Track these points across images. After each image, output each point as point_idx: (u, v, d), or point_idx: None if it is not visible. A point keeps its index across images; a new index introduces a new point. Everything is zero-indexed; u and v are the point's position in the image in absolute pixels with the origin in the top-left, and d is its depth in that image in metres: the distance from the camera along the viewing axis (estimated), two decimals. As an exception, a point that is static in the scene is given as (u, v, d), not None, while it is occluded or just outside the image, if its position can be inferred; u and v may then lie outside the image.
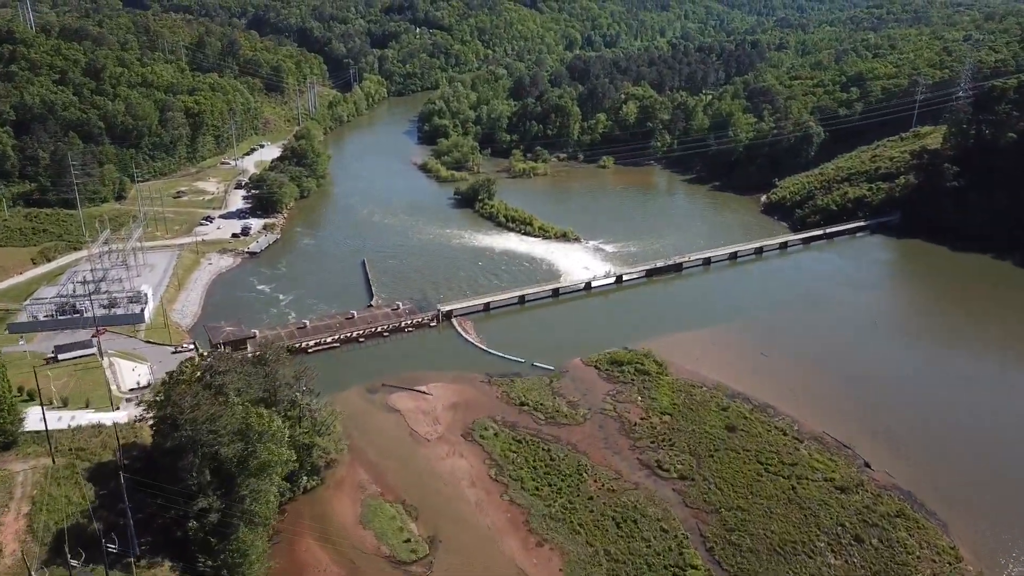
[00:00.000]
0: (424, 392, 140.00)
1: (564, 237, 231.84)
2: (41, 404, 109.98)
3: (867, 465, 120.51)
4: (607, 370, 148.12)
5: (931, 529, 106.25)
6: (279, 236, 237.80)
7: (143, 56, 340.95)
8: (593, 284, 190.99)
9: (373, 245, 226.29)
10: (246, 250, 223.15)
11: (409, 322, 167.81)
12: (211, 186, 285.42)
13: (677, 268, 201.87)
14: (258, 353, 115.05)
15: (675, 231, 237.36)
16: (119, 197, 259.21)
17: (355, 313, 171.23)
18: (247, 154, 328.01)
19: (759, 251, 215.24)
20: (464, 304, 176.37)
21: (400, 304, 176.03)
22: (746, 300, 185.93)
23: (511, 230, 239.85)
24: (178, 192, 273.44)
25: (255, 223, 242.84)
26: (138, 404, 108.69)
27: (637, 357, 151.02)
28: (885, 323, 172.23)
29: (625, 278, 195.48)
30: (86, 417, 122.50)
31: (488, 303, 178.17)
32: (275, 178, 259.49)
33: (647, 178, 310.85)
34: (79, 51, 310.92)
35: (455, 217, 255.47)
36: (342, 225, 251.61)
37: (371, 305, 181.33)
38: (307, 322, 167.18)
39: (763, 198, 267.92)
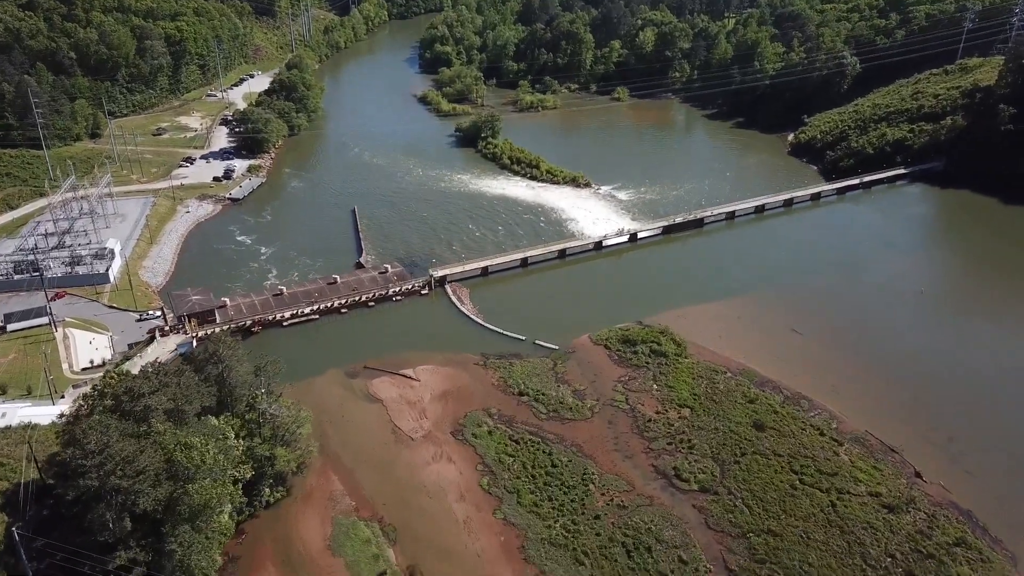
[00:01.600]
0: (410, 377, 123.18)
1: (574, 182, 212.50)
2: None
3: (918, 475, 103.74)
4: (618, 350, 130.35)
5: (997, 563, 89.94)
6: (264, 179, 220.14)
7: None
8: (604, 243, 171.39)
9: (365, 190, 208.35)
10: (228, 196, 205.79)
11: (398, 290, 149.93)
12: (195, 121, 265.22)
13: (698, 224, 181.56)
14: (208, 349, 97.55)
15: (695, 176, 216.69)
16: (93, 135, 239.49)
17: (338, 278, 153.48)
18: (235, 85, 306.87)
19: (788, 203, 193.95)
20: (459, 269, 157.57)
21: (389, 267, 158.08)
22: (775, 264, 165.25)
23: (516, 173, 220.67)
24: (158, 129, 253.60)
25: (239, 164, 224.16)
26: (60, 417, 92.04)
27: (652, 335, 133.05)
28: (932, 294, 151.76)
29: (640, 235, 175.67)
30: (20, 413, 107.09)
31: (486, 267, 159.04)
32: (260, 115, 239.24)
33: (664, 113, 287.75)
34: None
35: (455, 158, 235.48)
36: (334, 167, 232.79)
37: (359, 263, 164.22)
38: (284, 288, 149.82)
39: (790, 137, 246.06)
